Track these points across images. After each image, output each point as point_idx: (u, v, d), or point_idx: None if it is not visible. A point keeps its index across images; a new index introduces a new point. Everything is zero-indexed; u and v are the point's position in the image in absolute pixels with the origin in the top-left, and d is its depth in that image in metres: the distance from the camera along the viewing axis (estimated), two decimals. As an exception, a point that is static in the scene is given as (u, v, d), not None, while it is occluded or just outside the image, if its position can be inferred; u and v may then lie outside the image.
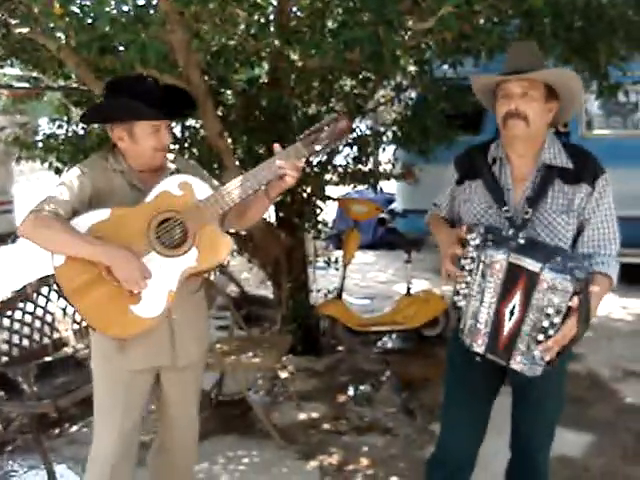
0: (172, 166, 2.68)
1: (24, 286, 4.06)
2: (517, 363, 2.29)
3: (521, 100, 2.35)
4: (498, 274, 2.27)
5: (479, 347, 2.35)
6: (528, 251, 2.24)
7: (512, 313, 2.27)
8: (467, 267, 2.37)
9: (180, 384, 2.78)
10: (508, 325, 2.28)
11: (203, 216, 2.48)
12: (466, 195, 2.56)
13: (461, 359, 2.53)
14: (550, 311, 2.19)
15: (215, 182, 2.75)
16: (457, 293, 2.43)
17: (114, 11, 2.69)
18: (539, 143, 2.44)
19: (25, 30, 3.62)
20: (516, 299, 2.25)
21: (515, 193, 2.46)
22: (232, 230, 5.51)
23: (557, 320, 2.19)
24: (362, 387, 5.00)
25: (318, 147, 2.50)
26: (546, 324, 2.21)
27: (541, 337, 2.22)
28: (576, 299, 2.16)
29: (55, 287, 4.16)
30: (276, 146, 2.52)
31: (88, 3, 3.05)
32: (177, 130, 5.37)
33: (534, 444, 2.65)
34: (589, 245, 2.44)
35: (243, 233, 5.56)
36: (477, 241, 2.33)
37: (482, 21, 3.86)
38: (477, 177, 2.53)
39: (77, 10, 2.92)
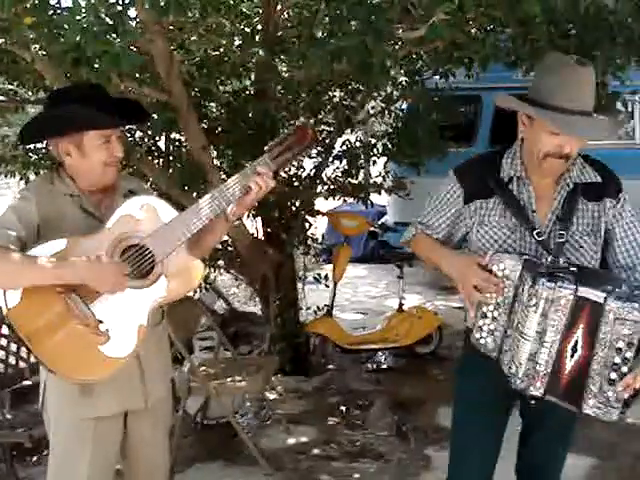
0: (124, 185, 2.46)
1: (-1, 308, 3.87)
2: (590, 407, 2.05)
3: (575, 143, 2.16)
4: (564, 310, 2.01)
5: (537, 390, 2.08)
6: (585, 279, 2.04)
7: (574, 350, 2.03)
8: (493, 301, 2.15)
9: (150, 426, 2.53)
10: (570, 364, 2.04)
11: (169, 241, 2.25)
12: (479, 217, 2.33)
13: (476, 396, 2.38)
14: (621, 345, 1.98)
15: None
16: (480, 329, 2.20)
17: (86, 20, 2.52)
18: None
19: (-1, 41, 3.47)
20: (578, 334, 2.02)
21: (540, 214, 2.28)
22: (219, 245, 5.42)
23: (630, 354, 1.98)
24: (353, 409, 4.81)
25: (284, 159, 2.35)
26: (618, 360, 1.99)
27: (614, 375, 2.00)
28: None
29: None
30: None
31: (61, 12, 2.90)
32: (161, 144, 5.23)
33: (551, 469, 2.53)
34: (624, 256, 2.30)
35: (230, 249, 5.41)
36: (510, 273, 2.11)
37: (475, 30, 3.73)
38: (490, 196, 2.31)
39: (48, 19, 2.76)
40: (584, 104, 2.15)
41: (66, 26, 2.60)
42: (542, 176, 2.28)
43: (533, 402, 2.12)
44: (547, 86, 2.18)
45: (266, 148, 2.35)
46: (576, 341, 2.03)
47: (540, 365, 2.05)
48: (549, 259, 2.14)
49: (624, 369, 1.99)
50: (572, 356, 2.04)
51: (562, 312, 2.01)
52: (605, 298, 1.98)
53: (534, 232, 2.22)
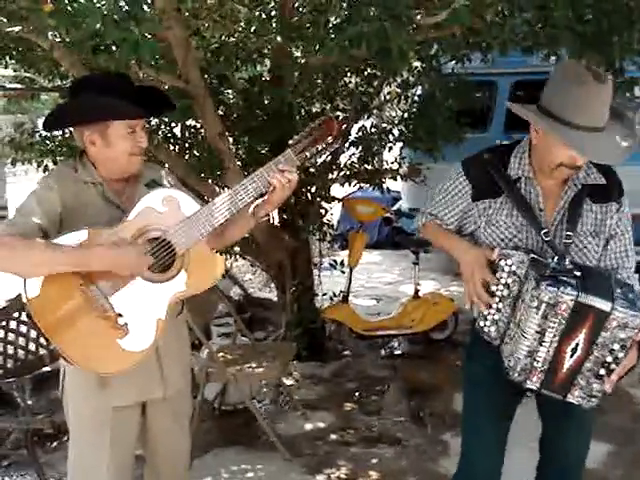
0: (147, 174, 2.43)
1: (18, 294, 3.88)
2: (575, 397, 2.16)
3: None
4: (563, 314, 2.06)
5: (534, 384, 2.17)
6: (589, 285, 2.08)
7: (574, 351, 2.11)
8: (499, 293, 2.20)
9: (170, 416, 2.54)
10: (569, 362, 2.12)
11: (191, 235, 2.24)
12: (487, 216, 2.35)
13: (484, 379, 2.41)
14: (615, 347, 2.08)
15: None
16: (485, 318, 2.26)
17: (105, 7, 2.52)
18: None
19: (16, 29, 3.47)
20: (580, 337, 2.09)
21: (547, 213, 2.30)
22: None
23: (621, 355, 2.08)
24: (370, 395, 4.82)
25: (309, 154, 2.33)
26: (609, 359, 2.09)
27: (602, 371, 2.10)
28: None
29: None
30: None
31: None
32: (177, 130, 5.22)
33: (575, 457, 2.53)
34: (612, 257, 2.35)
35: (246, 235, 5.41)
36: (517, 269, 2.15)
37: (492, 15, 3.69)
38: (498, 195, 2.32)
39: (68, 7, 2.75)
40: (597, 121, 2.12)
41: (86, 13, 2.60)
42: (551, 179, 2.29)
43: (529, 393, 2.25)
44: (562, 100, 2.14)
45: (290, 142, 2.33)
46: (577, 344, 2.09)
47: (538, 362, 2.13)
48: (555, 259, 2.16)
49: (613, 366, 2.09)
50: (571, 357, 2.11)
51: (561, 316, 2.07)
52: (612, 308, 2.04)
53: (542, 232, 2.24)
